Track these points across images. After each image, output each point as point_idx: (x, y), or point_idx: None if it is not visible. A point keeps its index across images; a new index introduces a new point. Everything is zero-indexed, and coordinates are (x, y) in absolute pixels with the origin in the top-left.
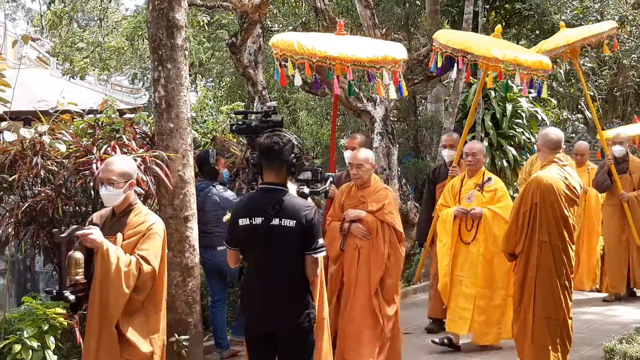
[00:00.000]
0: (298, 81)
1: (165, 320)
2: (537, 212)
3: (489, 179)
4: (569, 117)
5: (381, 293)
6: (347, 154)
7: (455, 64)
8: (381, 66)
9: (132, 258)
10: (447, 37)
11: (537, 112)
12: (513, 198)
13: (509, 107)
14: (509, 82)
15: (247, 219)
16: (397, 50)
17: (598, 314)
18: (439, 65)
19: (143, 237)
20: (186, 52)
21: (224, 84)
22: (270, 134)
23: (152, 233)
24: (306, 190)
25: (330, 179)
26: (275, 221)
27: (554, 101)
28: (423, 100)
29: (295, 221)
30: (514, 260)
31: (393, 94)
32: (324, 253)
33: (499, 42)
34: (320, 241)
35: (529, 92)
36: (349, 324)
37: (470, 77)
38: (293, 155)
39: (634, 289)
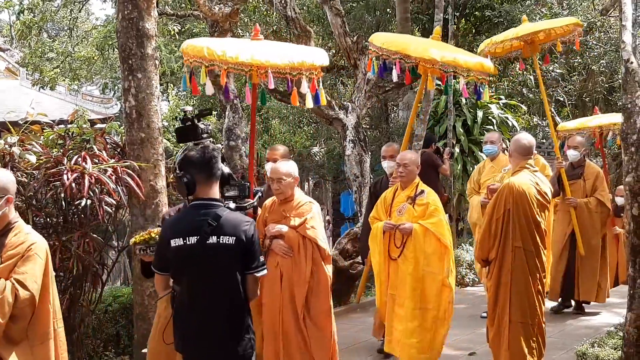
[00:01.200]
0: (209, 90)
1: (59, 346)
2: (510, 218)
3: (422, 191)
4: (540, 122)
5: (308, 315)
6: (269, 167)
7: (393, 68)
8: (298, 73)
9: (7, 283)
10: (382, 40)
11: (508, 119)
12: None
13: (480, 113)
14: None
15: (180, 239)
16: (316, 56)
17: (570, 318)
18: (377, 69)
19: (22, 258)
20: (157, 62)
21: None
22: (200, 147)
23: (32, 254)
24: (232, 205)
25: (260, 194)
26: (212, 239)
27: (525, 107)
28: (394, 108)
29: (234, 238)
30: (487, 266)
31: (310, 103)
32: (265, 271)
33: (438, 44)
34: (261, 258)
35: (472, 97)
36: (281, 350)
37: (441, 84)
38: (224, 164)
39: (581, 301)
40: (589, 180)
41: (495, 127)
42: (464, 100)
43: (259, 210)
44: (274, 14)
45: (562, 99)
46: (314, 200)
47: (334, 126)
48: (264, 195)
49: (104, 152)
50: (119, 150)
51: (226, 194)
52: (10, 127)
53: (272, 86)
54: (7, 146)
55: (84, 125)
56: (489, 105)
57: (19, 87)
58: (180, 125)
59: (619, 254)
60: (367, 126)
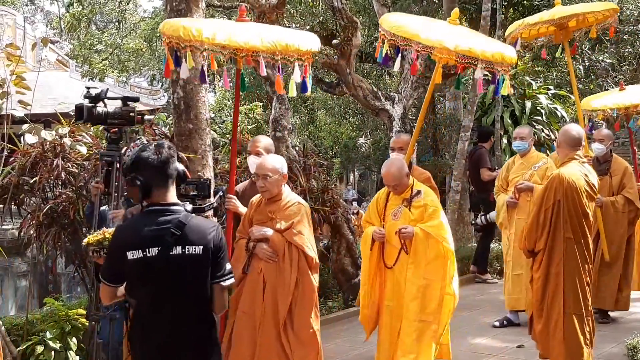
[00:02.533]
0: (184, 73)
1: None
2: (561, 209)
3: (418, 192)
4: (590, 113)
5: (291, 329)
6: (251, 160)
7: (399, 54)
8: (283, 58)
9: None
10: (391, 23)
11: (557, 109)
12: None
13: (528, 104)
14: (528, 79)
15: (139, 250)
16: (303, 40)
17: (619, 311)
18: (388, 54)
19: None
20: (204, 53)
21: None
22: (155, 145)
23: None
24: (188, 206)
25: (220, 193)
26: (177, 249)
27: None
28: (441, 98)
29: (201, 247)
30: (532, 257)
31: (293, 92)
32: (232, 280)
33: (455, 29)
34: (228, 266)
35: (487, 90)
36: None
37: (488, 74)
38: (178, 162)
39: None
40: (616, 176)
41: (544, 118)
42: (512, 91)
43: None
44: (320, 4)
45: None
46: (303, 201)
47: (380, 117)
48: (242, 192)
49: None
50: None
51: (184, 194)
52: (61, 118)
53: (263, 73)
54: (58, 137)
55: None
56: (537, 95)
57: (68, 79)
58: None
59: None
60: (414, 117)
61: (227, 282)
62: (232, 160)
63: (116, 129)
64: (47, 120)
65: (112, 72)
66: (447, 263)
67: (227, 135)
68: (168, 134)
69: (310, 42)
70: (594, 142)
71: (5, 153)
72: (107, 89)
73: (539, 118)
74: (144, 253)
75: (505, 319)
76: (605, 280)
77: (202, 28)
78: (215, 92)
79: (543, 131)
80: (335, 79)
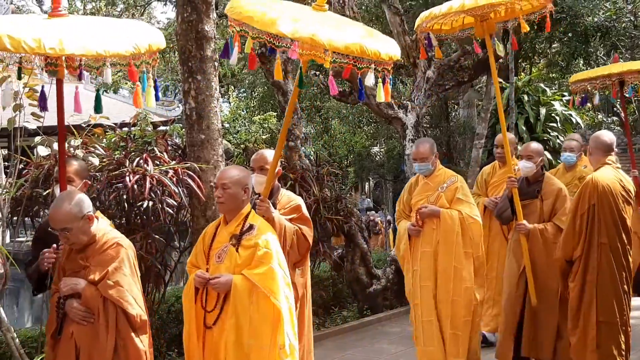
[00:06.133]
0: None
1: None
2: (595, 214)
3: (251, 227)
4: (605, 119)
5: None
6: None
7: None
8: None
9: None
10: (232, 6)
11: (572, 116)
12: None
13: (543, 110)
14: (543, 86)
15: None
16: (152, 37)
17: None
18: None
19: None
20: (216, 64)
21: (256, 94)
22: None
23: None
24: None
25: None
26: None
27: (589, 104)
28: (455, 106)
29: None
30: (569, 267)
31: (151, 102)
32: None
33: (308, 14)
34: None
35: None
36: None
37: (502, 81)
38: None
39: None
40: (548, 200)
41: (559, 125)
42: (526, 98)
43: None
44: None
45: (627, 96)
46: (125, 239)
47: (393, 125)
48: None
49: (165, 153)
50: (179, 152)
51: None
52: (74, 130)
53: (108, 80)
54: (71, 149)
55: (147, 128)
56: (552, 102)
57: (82, 91)
58: None
59: None
60: (427, 125)
61: None
62: (61, 180)
63: None
64: None
65: (126, 83)
66: (279, 324)
67: (242, 145)
68: (181, 144)
69: (155, 37)
70: (521, 160)
71: (19, 166)
72: None
73: (554, 125)
74: None
75: None
76: (538, 328)
77: (20, 29)
78: (229, 102)
79: (558, 138)
80: (348, 87)
